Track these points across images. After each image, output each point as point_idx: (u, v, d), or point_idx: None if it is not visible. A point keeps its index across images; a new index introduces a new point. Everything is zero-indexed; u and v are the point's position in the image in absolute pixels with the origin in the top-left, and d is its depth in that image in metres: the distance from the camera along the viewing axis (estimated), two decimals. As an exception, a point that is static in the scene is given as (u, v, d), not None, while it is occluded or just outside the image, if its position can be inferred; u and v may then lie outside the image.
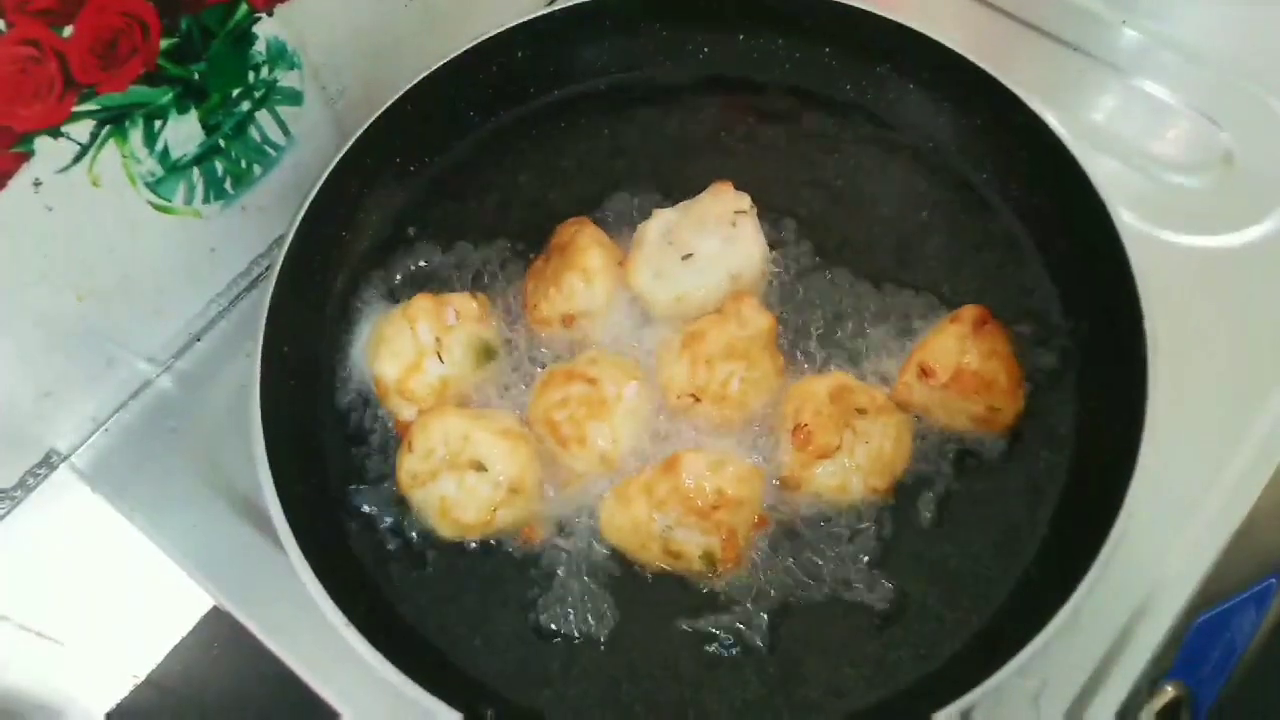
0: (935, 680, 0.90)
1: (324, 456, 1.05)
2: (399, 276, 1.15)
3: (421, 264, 1.16)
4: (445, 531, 0.98)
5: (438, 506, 0.98)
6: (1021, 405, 1.01)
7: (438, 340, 1.03)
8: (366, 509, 1.02)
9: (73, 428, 1.12)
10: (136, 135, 0.97)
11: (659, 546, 0.95)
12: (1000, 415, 1.00)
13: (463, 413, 1.00)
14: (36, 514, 1.12)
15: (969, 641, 0.93)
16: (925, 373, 1.00)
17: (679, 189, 1.17)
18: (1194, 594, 0.99)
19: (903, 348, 1.05)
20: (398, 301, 1.13)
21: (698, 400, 0.99)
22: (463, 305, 1.06)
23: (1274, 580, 1.05)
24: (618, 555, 0.98)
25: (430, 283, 1.14)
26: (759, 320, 1.01)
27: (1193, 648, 0.98)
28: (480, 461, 0.97)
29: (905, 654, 0.93)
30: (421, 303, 1.04)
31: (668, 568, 0.97)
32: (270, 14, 1.03)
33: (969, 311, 1.02)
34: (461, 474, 0.97)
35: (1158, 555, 1.00)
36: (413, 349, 1.03)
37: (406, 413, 1.04)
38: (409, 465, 0.99)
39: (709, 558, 0.95)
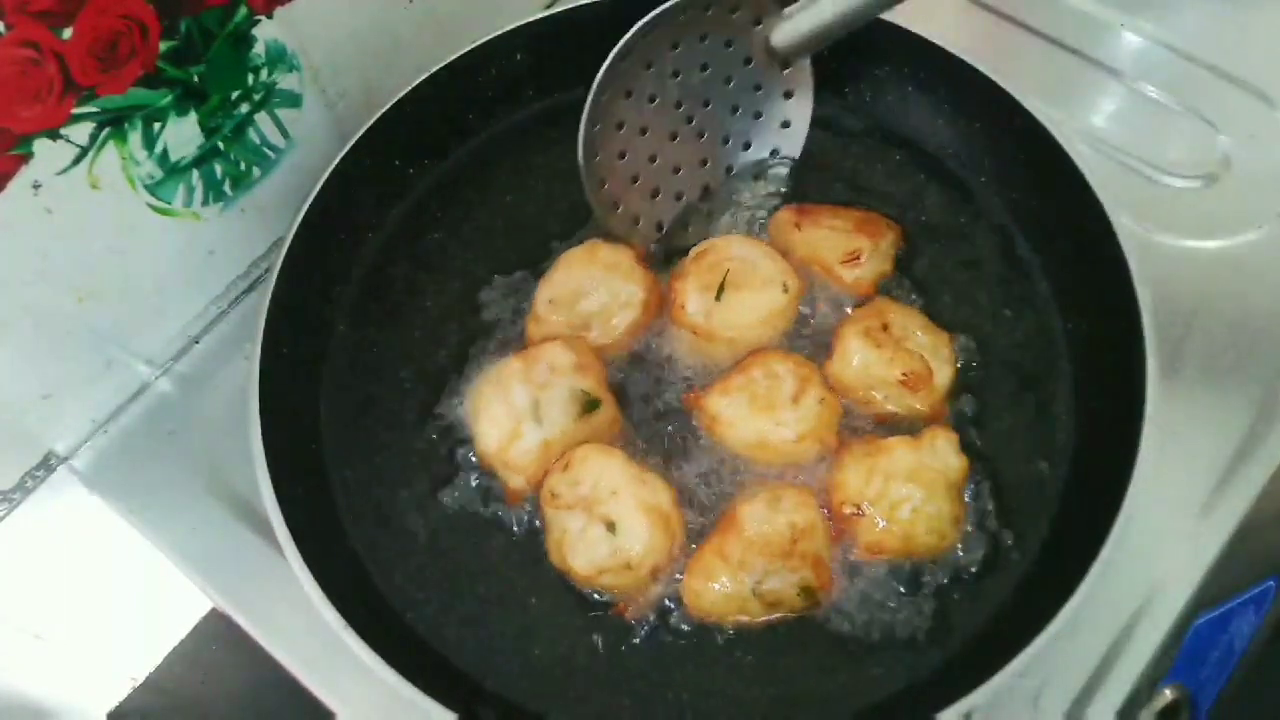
0: (936, 681, 0.90)
1: (323, 458, 1.05)
2: (400, 279, 1.15)
3: (422, 266, 1.16)
4: (553, 557, 0.97)
5: (558, 537, 0.96)
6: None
7: (534, 403, 0.98)
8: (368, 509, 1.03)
9: (72, 429, 1.12)
10: (136, 137, 0.98)
11: (757, 604, 0.93)
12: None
13: (627, 466, 0.97)
14: (35, 516, 1.12)
15: (969, 642, 0.92)
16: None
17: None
18: (1194, 595, 0.98)
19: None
20: (399, 305, 1.13)
21: (859, 514, 0.95)
22: (555, 357, 1.01)
23: (1273, 583, 1.05)
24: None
25: (432, 286, 1.14)
26: (951, 459, 0.96)
27: (1192, 649, 0.98)
28: (613, 523, 0.94)
29: (906, 655, 0.93)
30: (512, 365, 1.01)
31: (770, 618, 0.94)
32: (270, 16, 1.03)
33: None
34: (591, 521, 0.94)
35: (1158, 556, 1.00)
36: (508, 416, 0.99)
37: (516, 481, 0.99)
38: (554, 483, 0.97)
39: (807, 592, 0.92)
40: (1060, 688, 0.95)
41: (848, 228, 1.10)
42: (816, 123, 1.20)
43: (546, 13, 1.19)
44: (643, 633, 0.95)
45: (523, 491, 1.00)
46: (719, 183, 1.16)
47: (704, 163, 1.14)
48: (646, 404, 1.05)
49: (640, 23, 1.00)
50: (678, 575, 0.96)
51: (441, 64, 1.15)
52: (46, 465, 1.12)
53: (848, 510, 0.95)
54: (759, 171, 1.17)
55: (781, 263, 1.07)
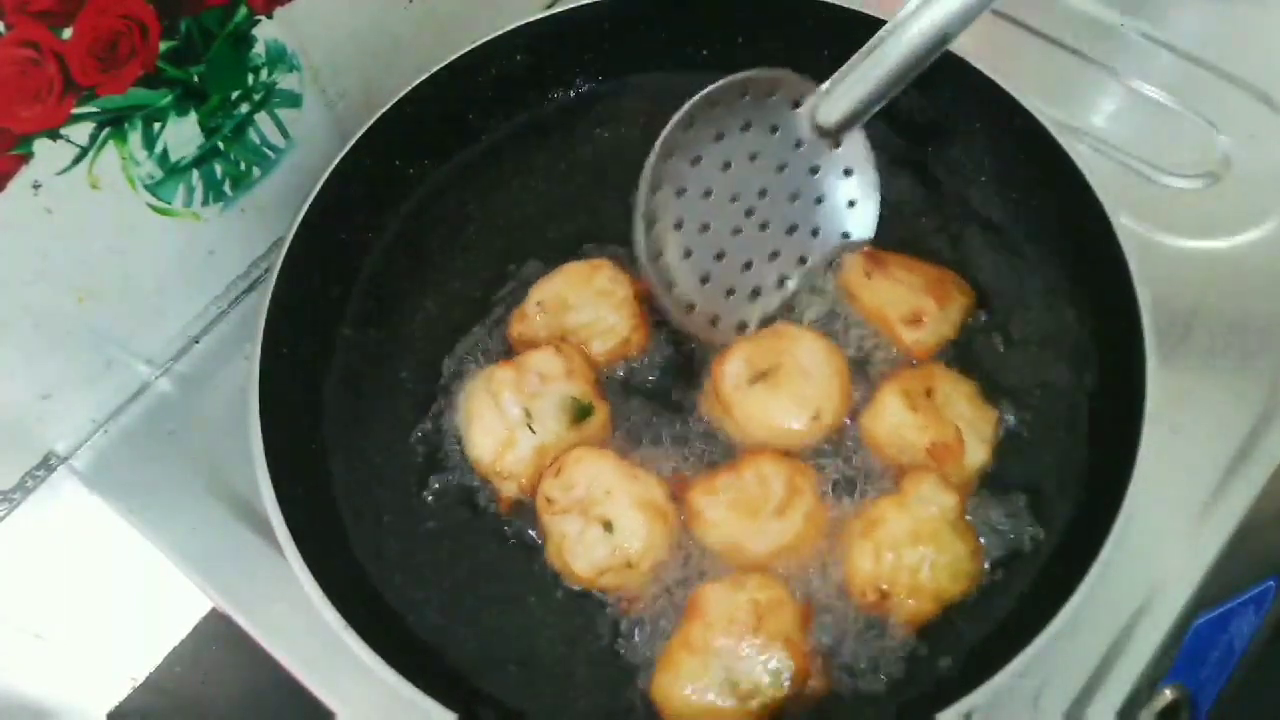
0: (936, 681, 0.90)
1: (323, 459, 1.06)
2: (400, 279, 1.15)
3: (422, 266, 1.16)
4: (553, 563, 0.97)
5: (557, 541, 0.96)
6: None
7: (525, 411, 0.98)
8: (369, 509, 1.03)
9: (72, 429, 1.12)
10: (136, 137, 0.98)
11: (731, 697, 0.88)
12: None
13: (618, 465, 0.97)
14: (35, 516, 1.12)
15: (969, 642, 0.92)
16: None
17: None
18: (1194, 595, 0.98)
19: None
20: (399, 305, 1.14)
21: (886, 596, 0.91)
22: (545, 365, 1.01)
23: (1273, 583, 1.05)
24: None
25: (432, 286, 1.14)
26: (942, 499, 0.93)
27: (1192, 649, 0.98)
28: (610, 522, 0.94)
29: (906, 654, 0.92)
30: (502, 374, 1.00)
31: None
32: (270, 16, 1.03)
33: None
34: (587, 523, 0.94)
35: (1158, 556, 1.00)
36: (502, 425, 0.99)
37: (509, 489, 0.99)
38: (548, 489, 0.97)
39: (777, 676, 0.88)
40: (1060, 688, 0.95)
41: (918, 284, 1.05)
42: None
43: (546, 13, 1.19)
44: (643, 631, 0.95)
45: (515, 499, 1.00)
46: (795, 273, 1.09)
47: (774, 255, 1.08)
48: (647, 399, 1.05)
49: (675, 117, 0.99)
50: (679, 570, 0.96)
51: (441, 64, 1.14)
52: (46, 465, 1.12)
53: (871, 597, 0.92)
54: (834, 257, 1.10)
55: (835, 385, 1.00)
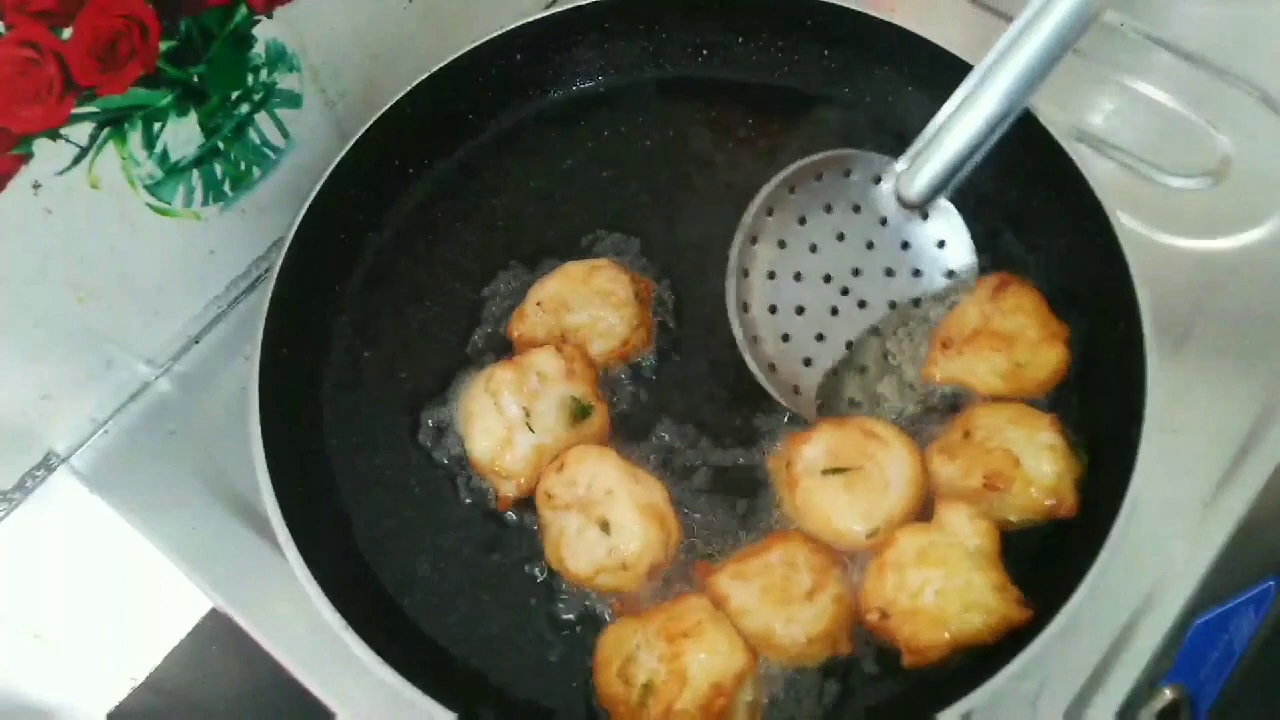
0: (935, 681, 0.90)
1: (323, 459, 1.06)
2: (400, 279, 1.15)
3: (422, 266, 1.16)
4: (550, 559, 0.97)
5: (554, 538, 0.95)
6: (1060, 360, 1.00)
7: (525, 411, 0.98)
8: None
9: (72, 429, 1.12)
10: (136, 137, 0.98)
11: (618, 666, 0.88)
12: (1030, 370, 0.99)
13: (621, 466, 0.97)
14: (35, 515, 1.12)
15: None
16: (944, 345, 1.02)
17: (681, 188, 1.18)
18: (1193, 595, 0.98)
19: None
20: (399, 305, 1.14)
21: (885, 617, 0.89)
22: (545, 365, 1.00)
23: (1273, 582, 1.05)
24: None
25: (432, 286, 1.14)
26: (965, 530, 0.90)
27: (1192, 649, 0.98)
28: (608, 522, 0.93)
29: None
30: (502, 374, 1.00)
31: (610, 700, 0.89)
32: (270, 16, 1.03)
33: (987, 280, 1.04)
34: (587, 522, 0.94)
35: (1158, 556, 1.00)
36: (501, 424, 0.99)
37: (507, 488, 0.99)
38: (549, 483, 0.97)
39: (648, 690, 0.86)
40: (1060, 688, 0.95)
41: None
42: (818, 123, 1.20)
43: (546, 13, 1.19)
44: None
45: (514, 498, 1.00)
46: (898, 349, 1.06)
47: (876, 331, 1.05)
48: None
49: (753, 204, 1.00)
50: (676, 572, 0.96)
51: (441, 64, 1.15)
52: (46, 465, 1.12)
53: (872, 618, 0.90)
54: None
55: (906, 507, 0.94)
